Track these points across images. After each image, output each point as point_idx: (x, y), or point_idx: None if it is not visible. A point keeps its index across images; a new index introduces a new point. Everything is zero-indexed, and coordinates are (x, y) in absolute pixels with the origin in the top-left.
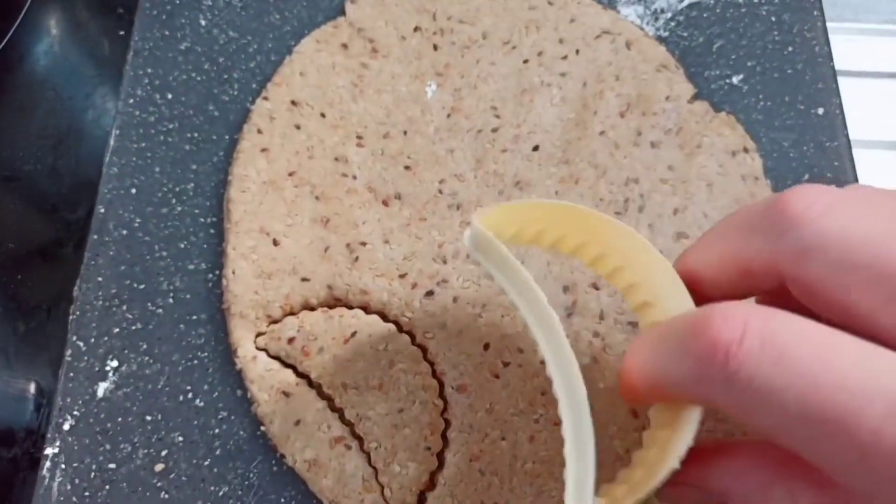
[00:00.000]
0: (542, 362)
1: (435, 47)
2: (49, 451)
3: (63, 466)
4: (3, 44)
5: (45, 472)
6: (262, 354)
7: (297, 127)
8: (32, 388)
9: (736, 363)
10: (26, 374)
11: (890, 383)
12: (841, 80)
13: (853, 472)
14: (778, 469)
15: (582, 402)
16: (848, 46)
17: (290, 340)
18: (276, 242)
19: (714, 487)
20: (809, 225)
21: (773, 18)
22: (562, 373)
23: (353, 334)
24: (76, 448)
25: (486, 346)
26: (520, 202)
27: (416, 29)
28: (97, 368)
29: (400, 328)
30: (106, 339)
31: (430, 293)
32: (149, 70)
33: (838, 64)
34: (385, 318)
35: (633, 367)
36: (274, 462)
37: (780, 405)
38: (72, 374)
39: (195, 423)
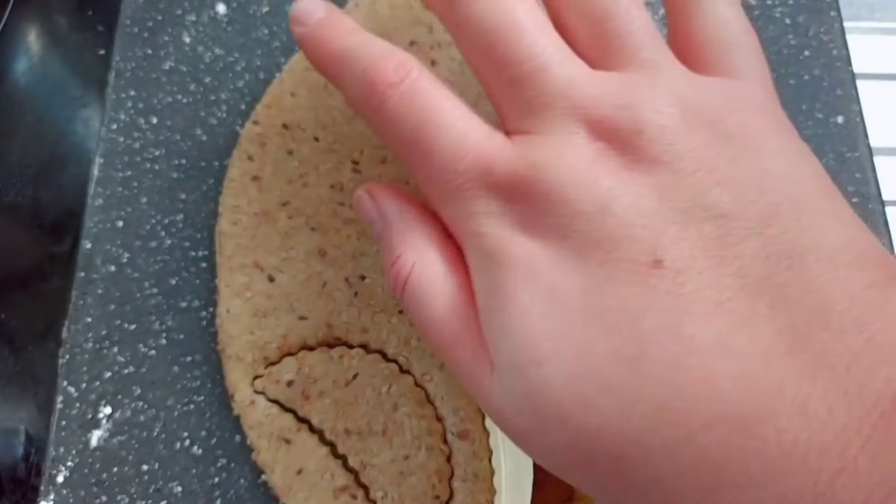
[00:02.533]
0: None
1: (433, 63)
2: None
3: None
4: None
5: None
6: (261, 398)
7: (290, 152)
8: (21, 429)
9: (388, 96)
10: (12, 416)
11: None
12: (859, 83)
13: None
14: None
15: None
16: (865, 47)
17: (290, 384)
18: (271, 278)
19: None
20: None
21: (788, 21)
22: None
23: (355, 376)
24: (71, 501)
25: None
26: None
27: (411, 43)
28: (90, 416)
29: (401, 368)
30: (98, 383)
31: None
32: (132, 92)
33: (856, 66)
34: (386, 357)
35: (327, 39)
36: None
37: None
38: (64, 423)
39: (193, 471)
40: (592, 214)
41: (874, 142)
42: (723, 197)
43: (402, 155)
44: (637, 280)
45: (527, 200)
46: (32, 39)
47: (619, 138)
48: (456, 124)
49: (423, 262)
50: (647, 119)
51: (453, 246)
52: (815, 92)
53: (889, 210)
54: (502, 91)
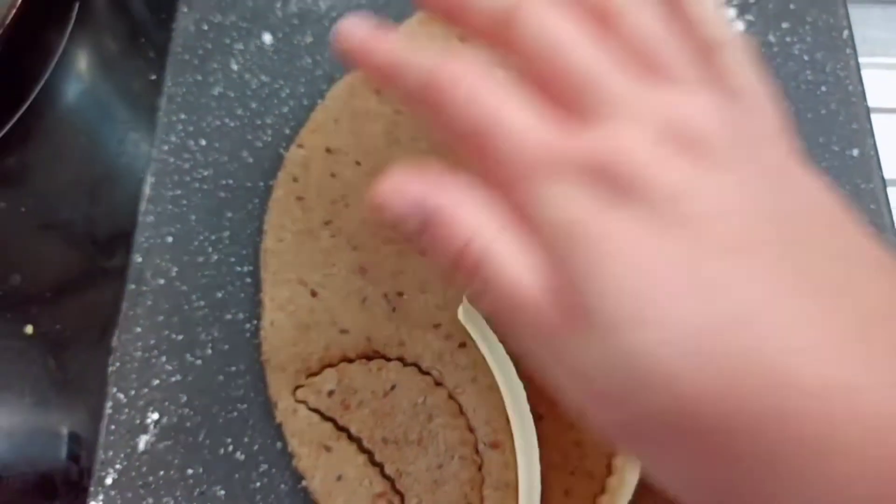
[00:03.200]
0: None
1: None
2: None
3: None
4: (38, 88)
5: None
6: (302, 407)
7: (333, 175)
8: (65, 432)
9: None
10: (63, 421)
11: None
12: (873, 117)
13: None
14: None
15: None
16: (880, 82)
17: (330, 394)
18: (313, 293)
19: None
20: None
21: (806, 57)
22: (520, 424)
23: (392, 388)
24: (119, 503)
25: None
26: None
27: None
28: (138, 421)
29: (436, 381)
30: (146, 390)
31: (462, 345)
32: (182, 116)
33: (870, 101)
34: (421, 370)
35: (381, 48)
36: None
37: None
38: (113, 427)
39: (236, 476)
40: (680, 195)
41: (888, 173)
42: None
43: (468, 150)
44: (734, 258)
45: (612, 181)
46: (85, 66)
47: (688, 145)
48: (526, 115)
49: (498, 243)
50: (708, 130)
51: (520, 227)
52: (832, 126)
53: None
54: (565, 94)
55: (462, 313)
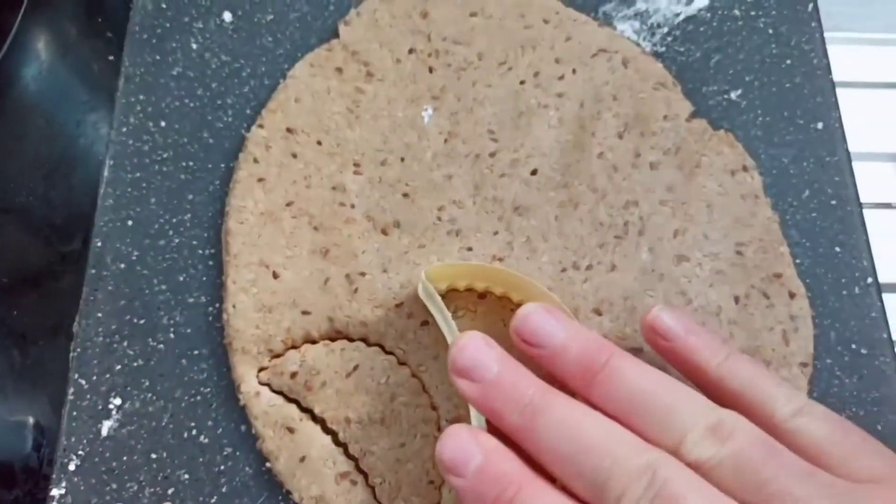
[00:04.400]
0: None
1: (430, 70)
2: (55, 492)
3: None
4: None
5: None
6: (266, 389)
7: (294, 155)
8: (31, 422)
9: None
10: (23, 409)
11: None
12: (838, 91)
13: None
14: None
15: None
16: (844, 56)
17: (293, 375)
18: (275, 275)
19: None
20: None
21: (771, 31)
22: None
23: (355, 368)
24: (82, 489)
25: None
26: (459, 263)
27: (410, 51)
28: (100, 406)
29: (399, 360)
30: (108, 376)
31: (424, 323)
32: (141, 97)
33: (835, 75)
34: (384, 349)
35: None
36: (280, 498)
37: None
38: (75, 413)
39: (200, 460)
40: None
41: (853, 147)
42: None
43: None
44: None
45: None
46: (42, 46)
47: None
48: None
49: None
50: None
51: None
52: (797, 99)
53: (866, 212)
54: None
55: (421, 289)
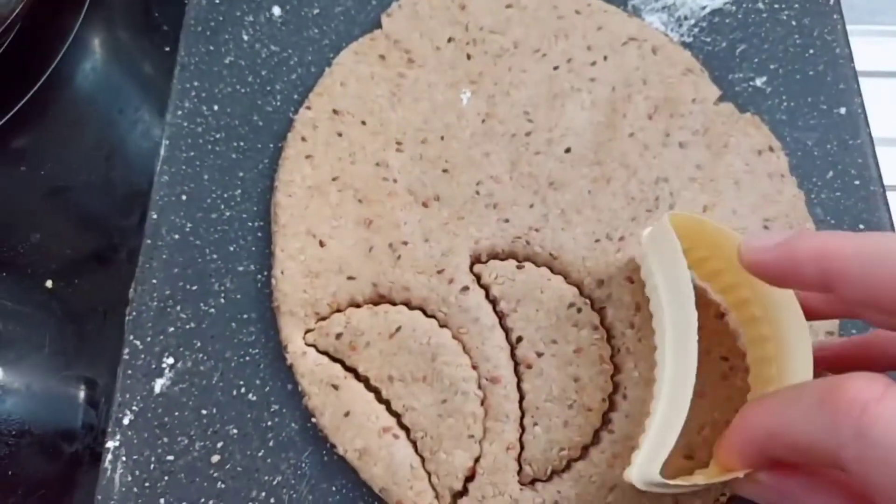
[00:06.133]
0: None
1: (468, 56)
2: (110, 444)
3: (124, 459)
4: (55, 63)
5: (106, 464)
6: (312, 350)
7: (339, 134)
8: (85, 387)
9: (870, 418)
10: (84, 374)
11: None
12: (862, 81)
13: None
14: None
15: (688, 395)
16: (867, 48)
17: (338, 336)
18: (322, 244)
19: (787, 493)
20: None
21: (794, 23)
22: (679, 366)
23: (398, 329)
24: (136, 441)
25: (519, 339)
26: (709, 222)
27: (449, 40)
28: (154, 366)
29: (440, 323)
30: (161, 337)
31: (465, 289)
32: (195, 83)
33: (858, 65)
34: (426, 313)
35: (750, 422)
36: (325, 452)
37: None
38: (129, 372)
39: (248, 416)
40: None
41: (876, 133)
42: None
43: None
44: None
45: None
46: (98, 43)
47: None
48: None
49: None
50: None
51: None
52: (820, 86)
53: (889, 195)
54: None
55: (646, 237)
